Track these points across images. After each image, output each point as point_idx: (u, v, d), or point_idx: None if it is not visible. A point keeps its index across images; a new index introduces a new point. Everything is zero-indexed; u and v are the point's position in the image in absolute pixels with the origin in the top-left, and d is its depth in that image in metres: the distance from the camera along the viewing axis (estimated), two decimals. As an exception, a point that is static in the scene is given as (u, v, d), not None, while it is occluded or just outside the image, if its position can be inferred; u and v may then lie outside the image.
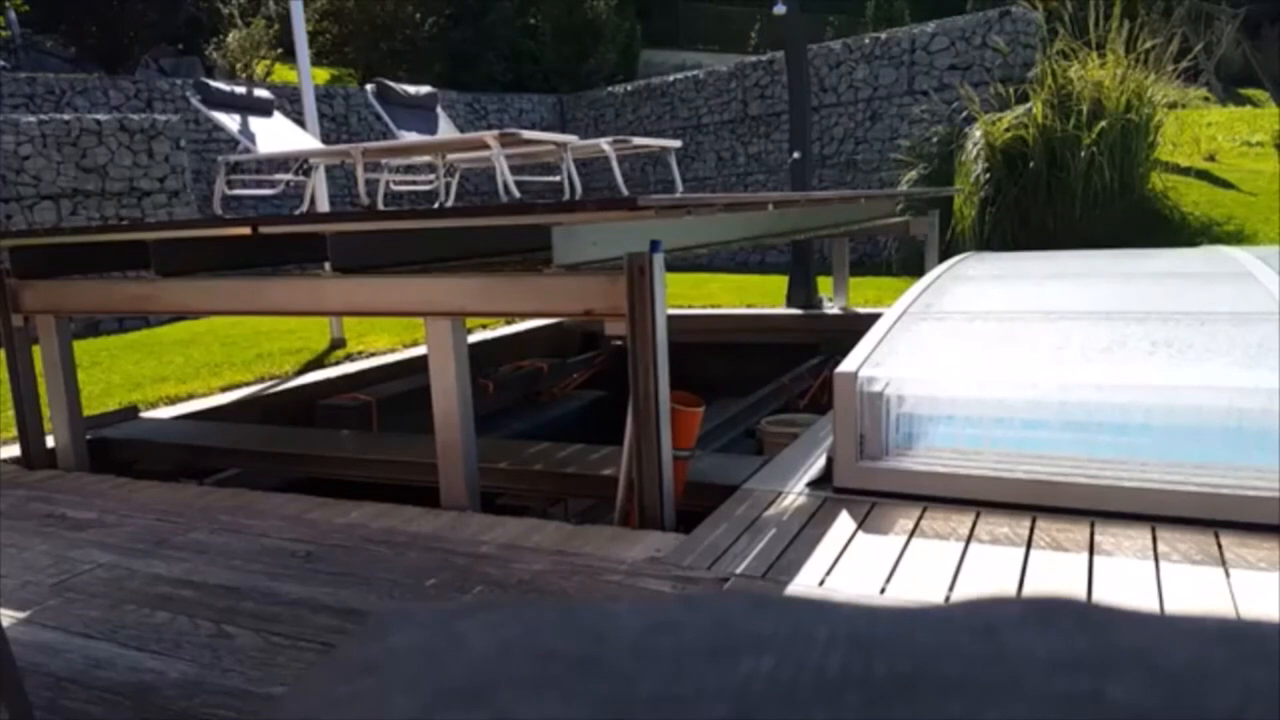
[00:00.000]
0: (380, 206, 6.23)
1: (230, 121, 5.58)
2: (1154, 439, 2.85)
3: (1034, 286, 4.55)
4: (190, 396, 5.40)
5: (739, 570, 2.48)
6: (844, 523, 2.77)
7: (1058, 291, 4.29)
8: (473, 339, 6.18)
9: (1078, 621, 0.25)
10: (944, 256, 5.87)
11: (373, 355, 6.50)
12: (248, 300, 3.72)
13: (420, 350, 5.63)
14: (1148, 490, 2.67)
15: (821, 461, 3.25)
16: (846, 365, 3.08)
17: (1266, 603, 2.15)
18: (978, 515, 2.75)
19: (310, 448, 4.38)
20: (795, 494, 3.05)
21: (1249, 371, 2.80)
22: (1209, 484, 2.64)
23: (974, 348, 3.48)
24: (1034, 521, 2.68)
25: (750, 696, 0.23)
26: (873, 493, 2.96)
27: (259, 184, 7.55)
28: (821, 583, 2.39)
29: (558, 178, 5.65)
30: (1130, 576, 2.33)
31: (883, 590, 2.33)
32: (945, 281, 4.49)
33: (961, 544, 2.57)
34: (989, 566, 2.44)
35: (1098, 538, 2.55)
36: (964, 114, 10.32)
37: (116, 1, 14.88)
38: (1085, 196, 9.07)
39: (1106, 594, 2.24)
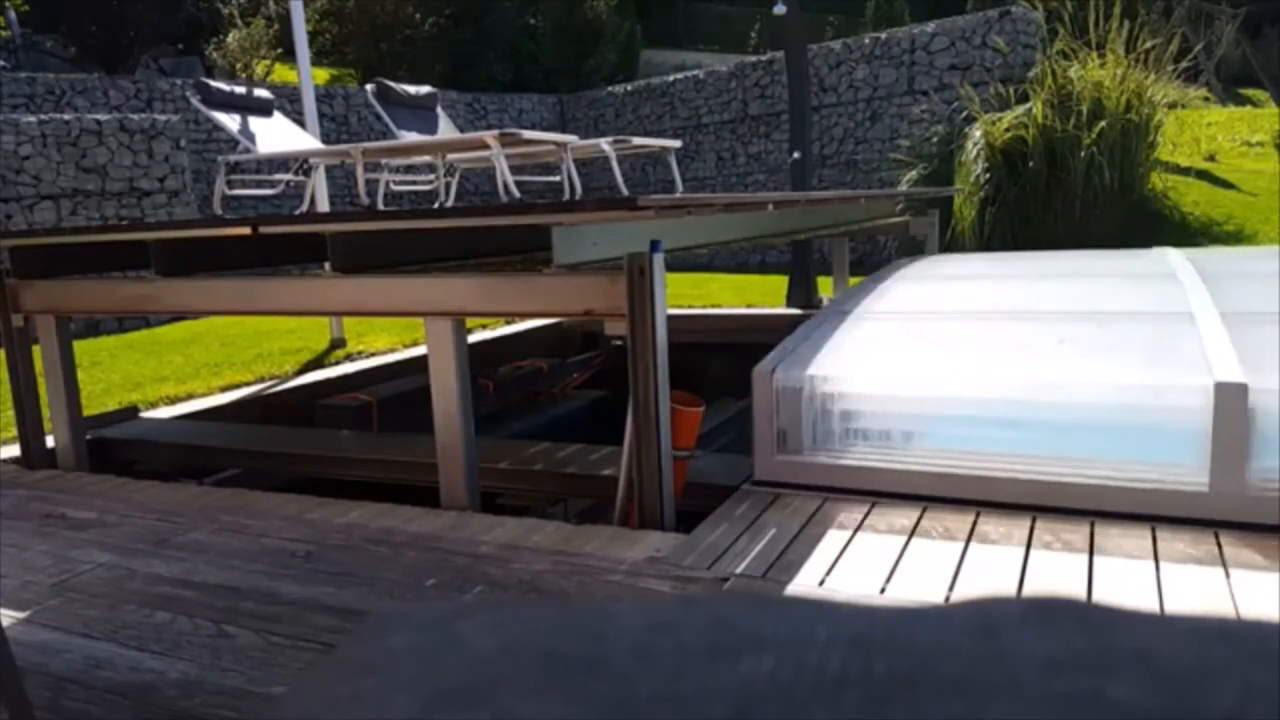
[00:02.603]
0: (380, 206, 6.23)
1: (230, 121, 5.57)
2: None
3: (963, 287, 4.72)
4: (190, 396, 5.40)
5: (739, 570, 2.48)
6: (844, 523, 2.77)
7: (979, 292, 4.52)
8: (473, 339, 6.18)
9: (1078, 621, 0.25)
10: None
11: (373, 355, 6.50)
12: (248, 300, 3.72)
13: (420, 350, 5.62)
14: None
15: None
16: (763, 363, 3.25)
17: (1266, 603, 2.15)
18: (978, 515, 2.75)
19: (310, 448, 4.38)
20: (795, 494, 3.05)
21: (1152, 369, 2.93)
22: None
23: (889, 346, 3.65)
24: (1034, 521, 2.68)
25: (750, 696, 0.23)
26: (784, 485, 3.11)
27: (259, 184, 7.55)
28: (821, 583, 2.39)
29: (558, 178, 5.65)
30: (1130, 576, 2.33)
31: (882, 590, 2.34)
32: (877, 283, 4.65)
33: (962, 544, 2.57)
34: (989, 566, 2.44)
35: (1098, 538, 2.55)
36: (964, 114, 10.32)
37: (116, 1, 14.89)
38: (1085, 196, 9.07)
39: (1106, 594, 2.24)
